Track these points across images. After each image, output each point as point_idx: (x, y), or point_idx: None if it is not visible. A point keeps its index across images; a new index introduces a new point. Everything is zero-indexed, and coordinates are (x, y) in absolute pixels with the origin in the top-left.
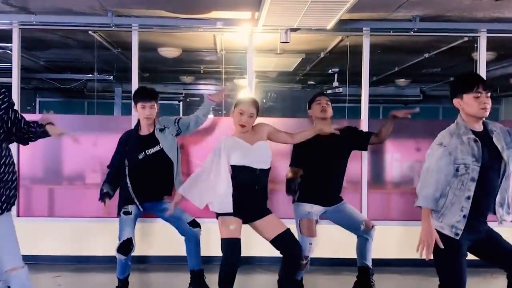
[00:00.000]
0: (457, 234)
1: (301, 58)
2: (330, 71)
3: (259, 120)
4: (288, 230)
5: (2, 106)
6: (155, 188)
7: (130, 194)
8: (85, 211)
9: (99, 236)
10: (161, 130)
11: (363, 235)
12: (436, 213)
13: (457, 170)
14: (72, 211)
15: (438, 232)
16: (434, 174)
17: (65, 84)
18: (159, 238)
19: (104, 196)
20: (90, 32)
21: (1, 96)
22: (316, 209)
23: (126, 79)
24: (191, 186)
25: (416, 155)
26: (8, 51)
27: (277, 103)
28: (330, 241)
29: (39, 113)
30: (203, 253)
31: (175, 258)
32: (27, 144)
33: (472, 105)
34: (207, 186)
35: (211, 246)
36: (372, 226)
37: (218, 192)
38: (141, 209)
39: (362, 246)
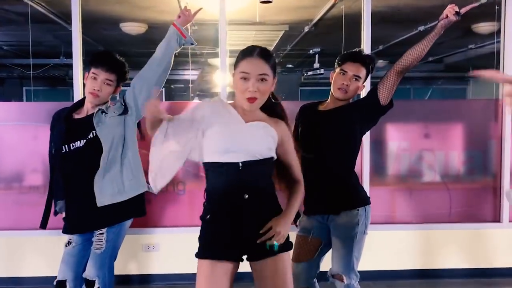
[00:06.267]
0: None
1: (283, 31)
2: (311, 51)
3: None
4: None
5: None
6: (81, 209)
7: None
8: (22, 222)
9: (38, 253)
10: (103, 112)
11: None
12: None
13: None
14: (5, 222)
15: None
16: None
17: (32, 70)
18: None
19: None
20: None
21: None
22: None
23: None
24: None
25: (424, 143)
26: None
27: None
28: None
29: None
30: None
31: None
32: None
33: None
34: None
35: None
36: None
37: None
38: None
39: None
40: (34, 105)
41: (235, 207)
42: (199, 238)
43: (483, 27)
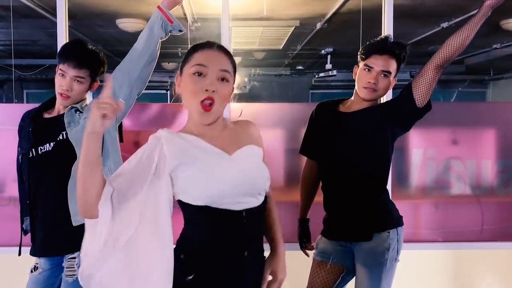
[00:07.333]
0: None
1: (293, 27)
2: (323, 51)
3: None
4: None
5: None
6: (49, 227)
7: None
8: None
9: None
10: (77, 110)
11: None
12: None
13: None
14: None
15: None
16: None
17: (27, 71)
18: None
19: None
20: None
21: None
22: None
23: None
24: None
25: (452, 150)
26: None
27: (263, 91)
28: None
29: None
30: None
31: None
32: None
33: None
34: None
35: None
36: None
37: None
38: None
39: None
40: (17, 108)
41: (231, 267)
42: None
43: None
